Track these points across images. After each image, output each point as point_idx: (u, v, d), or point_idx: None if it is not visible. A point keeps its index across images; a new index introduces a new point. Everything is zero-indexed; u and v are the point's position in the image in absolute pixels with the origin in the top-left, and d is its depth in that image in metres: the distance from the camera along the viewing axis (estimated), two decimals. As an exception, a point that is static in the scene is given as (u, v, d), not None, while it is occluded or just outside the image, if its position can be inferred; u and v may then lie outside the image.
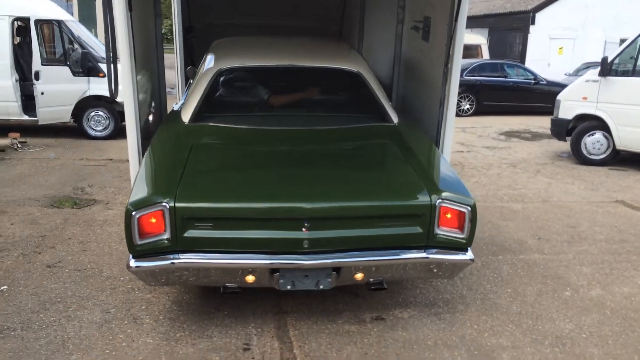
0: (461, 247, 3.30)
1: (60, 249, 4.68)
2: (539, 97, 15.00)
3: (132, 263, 3.09)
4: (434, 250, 3.26)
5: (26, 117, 9.29)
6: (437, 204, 3.20)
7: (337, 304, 3.78)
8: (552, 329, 3.59)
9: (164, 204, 3.02)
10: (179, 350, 3.22)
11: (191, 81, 5.16)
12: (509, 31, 23.11)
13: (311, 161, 3.81)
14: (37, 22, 9.01)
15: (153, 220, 3.03)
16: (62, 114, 9.38)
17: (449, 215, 3.23)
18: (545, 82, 15.24)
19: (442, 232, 3.25)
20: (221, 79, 4.38)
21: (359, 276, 3.25)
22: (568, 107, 9.12)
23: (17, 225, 5.20)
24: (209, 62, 4.57)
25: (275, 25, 7.97)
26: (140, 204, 3.03)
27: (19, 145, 8.77)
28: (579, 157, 9.03)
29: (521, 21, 22.28)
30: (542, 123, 13.62)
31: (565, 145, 10.16)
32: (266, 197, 3.22)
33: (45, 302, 3.75)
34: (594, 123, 8.77)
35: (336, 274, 3.22)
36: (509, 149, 10.30)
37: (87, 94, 9.44)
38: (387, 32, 6.19)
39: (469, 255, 3.32)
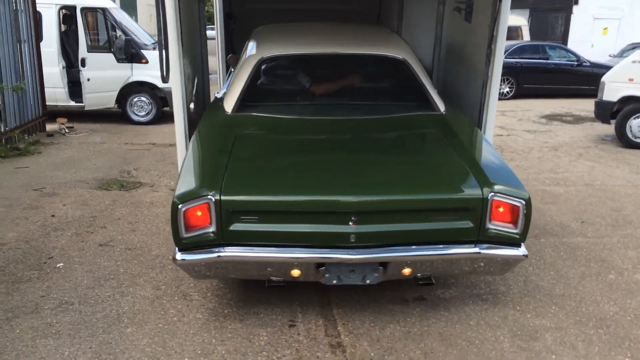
0: (514, 242, 3.18)
1: (110, 228, 4.87)
2: (581, 79, 14.61)
3: (179, 256, 3.07)
4: (486, 246, 3.14)
5: (72, 103, 9.61)
6: (489, 197, 3.08)
7: (380, 284, 3.82)
8: (596, 311, 3.58)
9: (209, 197, 2.98)
10: (227, 326, 3.34)
11: (232, 69, 5.20)
12: (551, 12, 22.50)
13: (357, 152, 3.70)
14: (83, 10, 9.26)
15: (199, 213, 3.00)
16: (107, 99, 9.64)
17: (501, 209, 3.12)
18: (588, 64, 14.82)
19: (494, 227, 3.13)
20: (263, 67, 4.30)
21: (406, 271, 3.17)
22: (613, 89, 8.89)
23: (69, 207, 5.42)
24: (251, 50, 4.55)
25: (313, 8, 8.00)
26: (186, 197, 3.00)
27: (67, 130, 9.08)
28: (624, 140, 8.82)
29: (564, 1, 21.66)
30: (585, 106, 13.31)
31: (609, 129, 9.91)
32: (312, 190, 3.15)
33: (99, 278, 3.93)
34: (640, 105, 8.55)
35: (383, 269, 3.14)
36: (550, 133, 10.12)
37: (131, 80, 9.67)
38: (427, 14, 6.15)
39: (522, 250, 3.19)
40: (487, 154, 3.66)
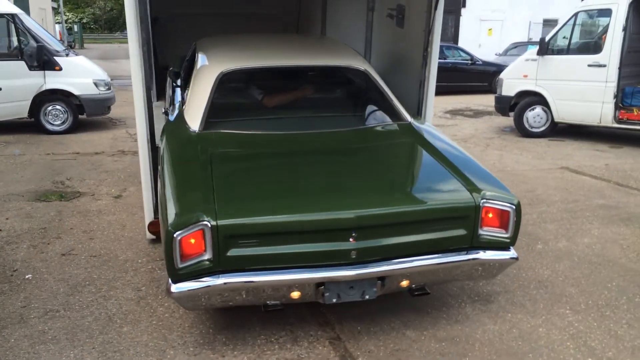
0: (504, 247, 3.26)
1: (66, 238, 4.85)
2: (475, 76, 15.94)
3: (174, 288, 2.87)
4: (482, 251, 3.20)
5: (-21, 115, 9.12)
6: (481, 204, 3.13)
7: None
8: (534, 275, 4.18)
9: (204, 222, 2.81)
10: (218, 318, 3.53)
11: (174, 84, 5.01)
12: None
13: (342, 166, 3.64)
14: (-9, 16, 8.83)
15: (192, 240, 2.83)
16: (21, 109, 9.24)
17: (490, 215, 3.17)
18: (480, 63, 16.17)
19: (485, 233, 3.19)
20: (225, 82, 4.10)
21: (404, 283, 3.18)
22: (510, 85, 9.90)
23: (14, 220, 5.29)
24: (204, 63, 4.38)
25: (233, 13, 8.25)
26: (181, 225, 2.80)
27: (-22, 143, 8.62)
28: (522, 131, 9.84)
29: (453, 5, 23.22)
30: (481, 101, 14.54)
31: (506, 121, 11.00)
32: (313, 208, 3.03)
33: (75, 285, 3.96)
34: (534, 98, 9.59)
35: (381, 283, 3.11)
36: (457, 126, 11.01)
37: (44, 88, 9.34)
38: (354, 19, 6.59)
39: (513, 253, 3.29)
40: (466, 161, 3.68)
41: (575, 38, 9.34)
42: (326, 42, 5.48)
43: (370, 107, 4.36)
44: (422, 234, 3.12)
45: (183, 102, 4.38)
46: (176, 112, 4.35)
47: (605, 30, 8.75)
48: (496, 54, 19.38)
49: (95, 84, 9.73)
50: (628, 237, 4.94)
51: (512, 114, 10.05)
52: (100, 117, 10.72)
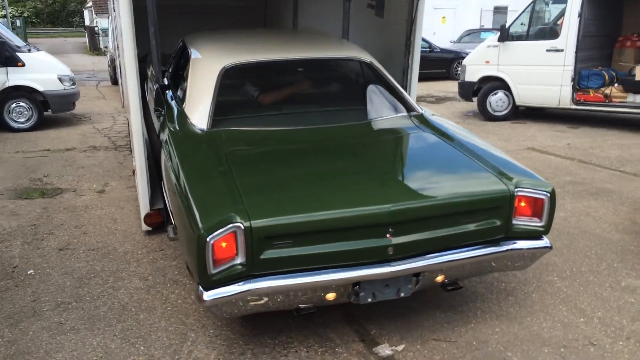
0: (537, 236, 3.20)
1: (59, 234, 4.84)
2: (434, 63, 16.30)
3: (207, 296, 2.68)
4: (518, 242, 3.14)
5: (-61, 114, 8.84)
6: (515, 193, 3.05)
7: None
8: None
9: (237, 224, 2.64)
10: (230, 300, 3.66)
11: (160, 81, 4.95)
12: (397, 3, 24.42)
13: (366, 160, 3.52)
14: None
15: (223, 244, 2.65)
16: (-16, 107, 9.01)
17: (523, 204, 3.10)
18: (439, 50, 16.58)
19: (518, 222, 3.12)
20: (228, 77, 3.92)
21: (439, 278, 3.09)
22: (473, 70, 10.26)
23: None
24: (199, 58, 4.27)
25: (200, 4, 8.27)
26: (215, 227, 2.62)
27: (-59, 143, 8.36)
28: (485, 114, 10.23)
29: (407, -7, 23.68)
30: (440, 87, 14.94)
31: (468, 106, 11.39)
32: (348, 204, 2.88)
33: (81, 278, 4.00)
34: (496, 83, 9.99)
35: (416, 279, 3.01)
36: (422, 112, 11.31)
37: (7, 85, 9.12)
38: (328, 10, 6.72)
39: (547, 242, 3.22)
40: (490, 150, 3.59)
41: (534, 24, 9.75)
42: (319, 35, 5.32)
43: (381, 99, 4.20)
44: (457, 227, 3.02)
45: (179, 99, 4.26)
46: (175, 110, 4.17)
47: (562, 16, 9.18)
48: (451, 41, 19.88)
49: (60, 80, 9.55)
50: (599, 210, 5.30)
51: (475, 98, 10.42)
52: (64, 114, 10.52)
